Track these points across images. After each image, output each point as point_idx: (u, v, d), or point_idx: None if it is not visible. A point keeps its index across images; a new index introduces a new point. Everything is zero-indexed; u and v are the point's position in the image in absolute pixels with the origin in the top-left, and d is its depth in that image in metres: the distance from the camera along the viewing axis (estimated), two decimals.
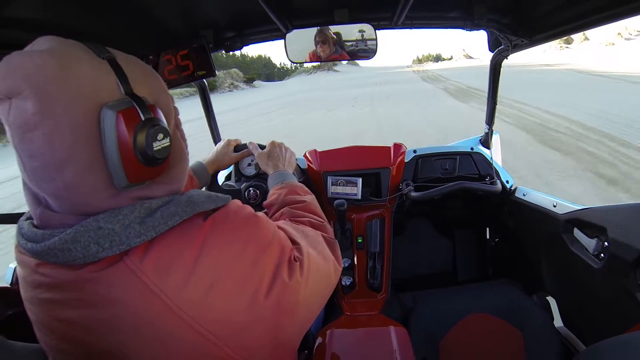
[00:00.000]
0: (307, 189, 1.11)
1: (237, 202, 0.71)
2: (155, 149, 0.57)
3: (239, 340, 0.61)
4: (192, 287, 0.56)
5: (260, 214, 0.72)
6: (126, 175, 0.55)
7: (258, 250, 0.65)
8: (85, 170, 0.53)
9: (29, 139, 0.50)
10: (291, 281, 0.67)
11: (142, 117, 0.56)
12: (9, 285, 1.16)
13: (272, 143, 1.29)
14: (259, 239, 0.66)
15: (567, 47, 69.06)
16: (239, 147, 1.46)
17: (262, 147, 1.32)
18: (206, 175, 1.37)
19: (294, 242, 0.76)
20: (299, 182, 1.14)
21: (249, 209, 0.70)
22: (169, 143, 0.60)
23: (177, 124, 0.71)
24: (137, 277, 0.54)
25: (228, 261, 0.61)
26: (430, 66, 68.88)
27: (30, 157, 0.52)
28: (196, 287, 0.57)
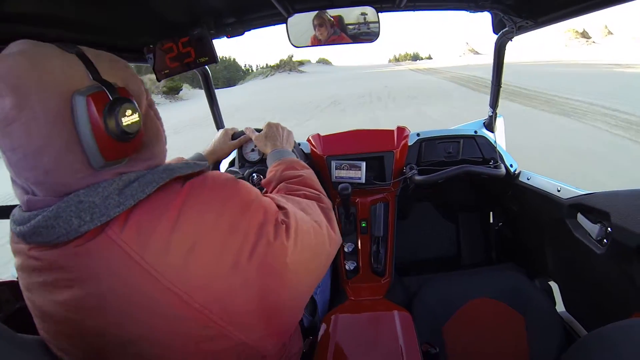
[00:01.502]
0: (304, 164, 1.11)
1: (217, 171, 0.73)
2: (124, 124, 0.59)
3: (222, 305, 0.63)
4: (172, 252, 0.58)
5: (243, 181, 0.74)
6: (101, 154, 0.58)
7: (238, 211, 0.66)
8: (63, 154, 0.56)
9: (8, 133, 0.53)
10: (276, 242, 0.68)
11: (111, 98, 0.59)
12: (15, 279, 1.19)
13: (269, 124, 1.29)
14: (238, 200, 0.68)
15: (593, 42, 64.55)
16: (237, 135, 1.47)
17: (259, 130, 1.33)
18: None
19: (280, 207, 0.77)
20: None
21: (229, 175, 0.72)
22: (138, 118, 0.63)
23: (150, 104, 0.74)
24: (118, 246, 0.56)
25: (207, 224, 0.62)
26: (437, 64, 48.95)
27: (12, 150, 0.54)
28: (176, 252, 0.59)
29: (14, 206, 0.65)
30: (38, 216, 0.55)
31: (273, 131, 1.26)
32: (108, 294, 0.57)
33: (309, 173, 1.06)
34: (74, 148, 0.56)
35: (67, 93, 0.56)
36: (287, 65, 64.33)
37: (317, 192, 0.98)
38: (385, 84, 21.90)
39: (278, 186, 0.99)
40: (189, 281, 0.59)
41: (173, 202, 0.61)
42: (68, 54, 0.59)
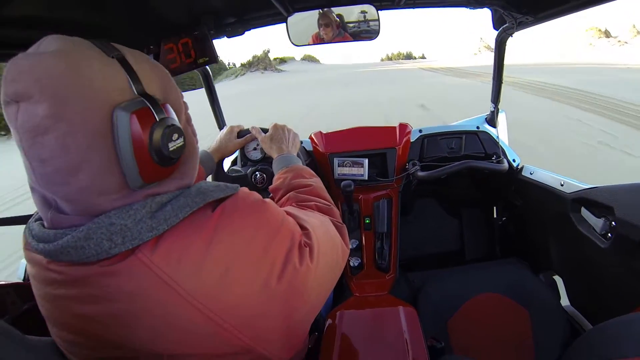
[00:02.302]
0: (312, 172, 1.11)
1: (245, 189, 0.71)
2: (171, 149, 0.58)
3: (251, 326, 0.62)
4: (204, 276, 0.57)
5: (268, 200, 0.72)
6: (141, 176, 0.55)
7: (268, 236, 0.65)
8: (100, 172, 0.53)
9: (40, 144, 0.50)
10: (302, 266, 0.67)
11: (157, 118, 0.56)
12: (22, 281, 1.19)
13: (275, 126, 1.28)
14: (268, 225, 0.67)
15: (625, 43, 55.01)
16: (242, 133, 1.46)
17: (265, 130, 1.32)
18: (212, 163, 1.37)
19: (302, 227, 0.76)
20: (305, 164, 1.14)
21: (257, 195, 0.70)
22: (183, 142, 0.61)
23: (188, 120, 0.71)
24: (148, 268, 0.55)
25: (239, 248, 0.61)
26: (452, 63, 41.79)
27: (41, 161, 0.51)
28: (208, 276, 0.57)
29: (27, 216, 0.63)
30: (66, 236, 0.53)
31: (279, 133, 1.26)
32: (137, 313, 0.56)
33: (317, 182, 1.05)
34: (112, 167, 0.54)
35: (108, 106, 0.52)
36: (261, 63, 55.57)
37: (328, 204, 0.97)
38: (421, 102, 12.60)
39: (288, 195, 0.98)
40: (221, 304, 0.58)
41: (206, 227, 0.59)
42: (108, 59, 0.55)
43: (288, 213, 0.77)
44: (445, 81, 19.97)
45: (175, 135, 0.59)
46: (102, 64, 0.54)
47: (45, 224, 0.58)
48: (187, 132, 0.68)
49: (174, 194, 0.60)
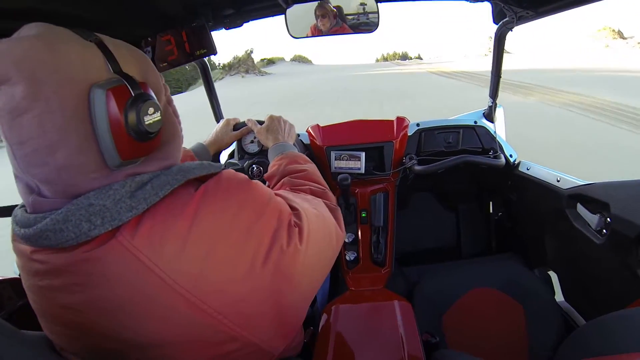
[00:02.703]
0: (307, 158, 1.11)
1: (230, 170, 0.70)
2: (146, 123, 0.57)
3: (237, 310, 0.61)
4: (186, 259, 0.56)
5: (256, 181, 0.71)
6: (119, 153, 0.55)
7: (253, 216, 0.64)
8: (78, 150, 0.53)
9: (18, 124, 0.50)
10: (289, 248, 0.66)
11: (133, 93, 0.56)
12: (18, 276, 1.19)
13: (271, 117, 1.29)
14: (253, 204, 0.66)
15: None
16: (238, 125, 1.47)
17: (260, 122, 1.32)
18: (207, 155, 1.37)
19: (292, 208, 0.75)
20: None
21: (242, 175, 0.69)
22: (159, 117, 0.60)
23: (169, 101, 0.71)
24: (129, 252, 0.54)
25: (222, 228, 0.60)
26: (463, 66, 30.95)
27: (20, 143, 0.51)
28: (191, 258, 0.57)
29: (13, 206, 0.63)
30: (45, 219, 0.52)
31: (275, 124, 1.26)
32: (119, 299, 0.55)
33: (312, 167, 1.05)
34: (89, 145, 0.53)
35: (85, 85, 0.52)
36: (243, 65, 49.07)
37: (323, 187, 0.97)
38: None
39: (282, 180, 0.98)
40: (204, 287, 0.58)
41: (187, 206, 0.58)
42: (86, 42, 0.55)
43: (278, 194, 0.76)
44: (480, 96, 10.92)
45: (152, 110, 0.58)
46: (79, 46, 0.54)
47: (27, 209, 0.57)
48: (167, 111, 0.69)
49: (155, 173, 0.60)
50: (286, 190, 0.89)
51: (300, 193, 0.89)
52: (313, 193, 0.92)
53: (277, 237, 0.66)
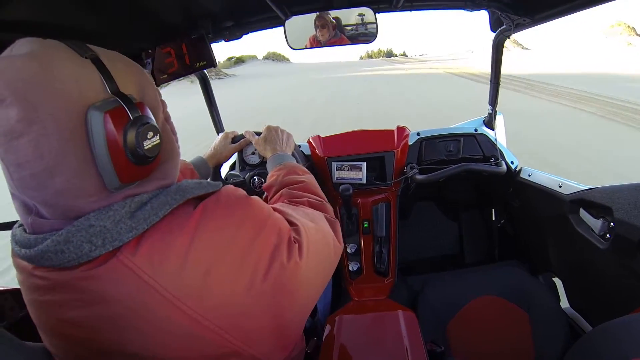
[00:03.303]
0: (305, 169, 1.11)
1: (229, 186, 0.70)
2: (146, 147, 0.56)
3: (238, 326, 0.61)
4: (187, 275, 0.56)
5: (254, 196, 0.71)
6: (118, 176, 0.54)
7: (253, 232, 0.64)
8: (76, 174, 0.52)
9: (14, 148, 0.49)
10: (289, 263, 0.66)
11: (131, 117, 0.55)
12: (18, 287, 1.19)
13: (268, 127, 1.29)
14: (253, 220, 0.66)
15: None
16: (237, 138, 1.48)
17: (258, 134, 1.33)
18: (207, 169, 1.38)
19: (291, 223, 0.75)
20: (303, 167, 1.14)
21: (241, 191, 0.69)
22: (159, 141, 0.60)
23: (166, 118, 0.71)
24: (130, 270, 0.54)
25: (222, 245, 0.60)
26: (480, 65, 26.73)
27: (17, 165, 0.50)
28: (191, 275, 0.56)
29: (13, 222, 0.63)
30: (46, 240, 0.52)
31: (273, 135, 1.26)
32: (121, 316, 0.55)
33: (310, 179, 1.05)
34: (88, 168, 0.53)
35: (82, 106, 0.51)
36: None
37: (320, 199, 0.97)
38: None
39: (280, 191, 0.98)
40: (205, 303, 0.58)
41: (186, 224, 0.58)
42: (81, 59, 0.54)
43: (276, 209, 0.76)
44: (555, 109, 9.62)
45: (151, 134, 0.57)
46: (75, 64, 0.53)
47: (27, 229, 0.57)
48: (165, 130, 0.68)
49: (153, 193, 0.59)
50: (284, 204, 0.89)
51: (299, 206, 0.89)
52: (311, 205, 0.92)
53: (277, 253, 0.65)
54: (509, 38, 1.56)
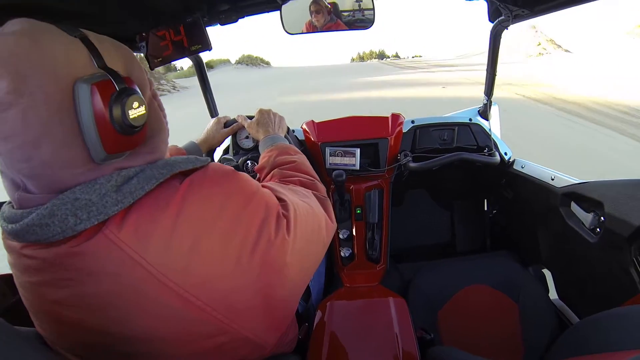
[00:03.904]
0: (297, 149, 1.11)
1: (217, 163, 0.70)
2: (131, 117, 0.57)
3: (225, 302, 0.62)
4: (173, 251, 0.57)
5: (243, 173, 0.71)
6: (103, 146, 0.55)
7: (239, 206, 0.64)
8: (63, 144, 0.53)
9: (3, 119, 0.50)
10: (277, 239, 0.67)
11: (117, 88, 0.56)
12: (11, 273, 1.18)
13: (260, 111, 1.30)
14: (240, 194, 0.66)
15: None
16: (229, 123, 1.48)
17: (251, 118, 1.33)
18: (199, 154, 1.38)
19: (280, 199, 0.75)
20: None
21: (228, 167, 0.70)
22: (144, 111, 0.60)
23: (154, 95, 0.71)
24: (116, 246, 0.54)
25: (208, 219, 0.60)
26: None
27: (5, 138, 0.51)
28: (177, 250, 0.57)
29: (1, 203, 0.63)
30: (32, 214, 0.53)
31: (265, 117, 1.27)
32: (108, 294, 0.55)
33: (302, 158, 1.06)
34: (74, 139, 0.54)
35: (70, 80, 0.53)
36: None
37: (312, 178, 0.98)
38: None
39: (272, 172, 0.98)
40: (192, 279, 0.58)
41: (173, 199, 0.58)
42: (71, 37, 0.55)
43: (265, 186, 0.77)
44: None
45: (136, 104, 0.58)
46: (64, 41, 0.54)
47: (14, 205, 0.58)
48: (152, 105, 0.69)
49: (140, 167, 0.60)
50: (275, 182, 0.89)
51: (289, 185, 0.89)
52: (302, 184, 0.93)
53: (264, 228, 0.66)
54: (507, 29, 1.54)
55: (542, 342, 1.30)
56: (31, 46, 0.50)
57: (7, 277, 1.05)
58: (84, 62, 0.55)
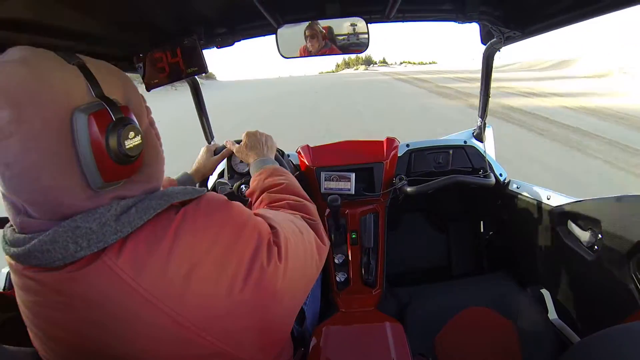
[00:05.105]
0: (285, 170, 1.12)
1: (212, 192, 0.72)
2: (127, 147, 0.59)
3: (219, 327, 0.63)
4: (169, 278, 0.58)
5: (236, 202, 0.73)
6: (100, 175, 0.56)
7: (233, 235, 0.66)
8: (62, 172, 0.55)
9: (5, 147, 0.51)
10: (269, 266, 0.68)
11: (113, 118, 0.58)
12: (1, 291, 1.15)
13: (247, 134, 1.30)
14: (232, 223, 0.67)
15: None
16: (218, 150, 1.49)
17: (239, 142, 1.34)
18: (192, 184, 1.39)
19: (271, 226, 0.76)
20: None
21: (222, 197, 0.71)
22: (140, 141, 0.62)
23: (151, 123, 0.73)
24: (114, 273, 0.56)
25: (202, 247, 0.61)
26: None
27: (7, 165, 0.52)
28: (173, 277, 0.58)
29: (4, 219, 0.63)
30: (34, 240, 0.54)
31: (252, 140, 1.27)
32: (104, 318, 0.57)
33: (290, 180, 1.07)
34: (72, 168, 0.55)
35: (68, 109, 0.54)
36: None
37: (301, 200, 0.98)
38: None
39: (261, 196, 1.00)
40: (187, 305, 0.59)
41: (169, 228, 0.60)
42: (69, 66, 0.57)
43: (257, 214, 0.78)
44: None
45: (132, 134, 0.60)
46: (62, 70, 0.56)
47: (16, 229, 0.59)
48: (149, 134, 0.71)
49: (139, 197, 0.62)
50: (265, 208, 0.91)
51: (279, 210, 0.91)
52: (291, 207, 0.94)
53: (257, 257, 0.67)
54: (499, 50, 1.58)
55: None
56: (30, 76, 0.52)
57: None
58: (81, 91, 0.57)
